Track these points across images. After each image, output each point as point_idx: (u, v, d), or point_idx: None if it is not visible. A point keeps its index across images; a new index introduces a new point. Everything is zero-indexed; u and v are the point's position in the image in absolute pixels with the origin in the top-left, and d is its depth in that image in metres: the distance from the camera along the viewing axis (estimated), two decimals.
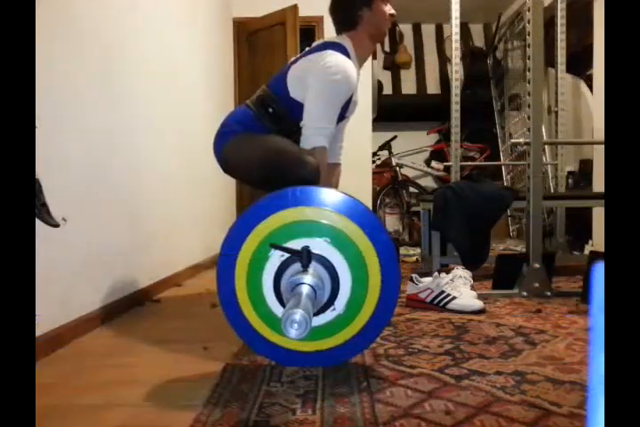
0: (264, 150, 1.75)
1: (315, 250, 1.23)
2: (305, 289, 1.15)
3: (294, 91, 1.76)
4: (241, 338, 1.32)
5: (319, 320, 1.26)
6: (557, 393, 1.14)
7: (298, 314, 1.03)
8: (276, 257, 1.25)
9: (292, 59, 1.90)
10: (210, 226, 3.54)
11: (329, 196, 1.26)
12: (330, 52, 1.73)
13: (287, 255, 1.23)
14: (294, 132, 1.77)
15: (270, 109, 1.78)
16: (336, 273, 1.25)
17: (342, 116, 1.80)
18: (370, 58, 4.45)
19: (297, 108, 1.74)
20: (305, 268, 1.20)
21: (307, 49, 1.85)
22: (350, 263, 1.25)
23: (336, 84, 1.68)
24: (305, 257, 1.21)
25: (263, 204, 1.26)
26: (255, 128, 1.81)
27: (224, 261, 1.27)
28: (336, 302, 1.26)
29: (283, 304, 1.25)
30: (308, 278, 1.18)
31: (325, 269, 1.24)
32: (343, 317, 1.26)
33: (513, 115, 5.04)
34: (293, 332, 1.04)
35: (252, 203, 1.29)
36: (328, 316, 1.27)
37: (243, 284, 1.26)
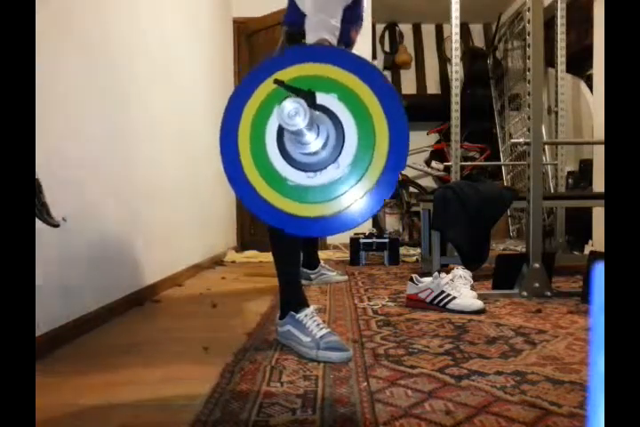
0: None
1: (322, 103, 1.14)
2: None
3: (303, 4, 1.64)
4: (237, 193, 1.19)
5: (322, 178, 1.14)
6: (557, 393, 1.14)
7: (288, 101, 0.99)
8: (280, 112, 1.13)
9: None
10: (210, 226, 3.55)
11: (339, 53, 1.20)
12: None
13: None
14: None
15: (303, 41, 1.67)
16: (342, 128, 1.15)
17: (352, 17, 1.66)
18: (370, 58, 4.47)
19: None
20: (312, 108, 1.11)
21: None
22: (358, 122, 1.15)
23: None
24: (310, 98, 1.11)
25: (273, 61, 1.20)
26: None
27: (230, 113, 1.18)
28: (340, 159, 1.14)
29: (286, 159, 1.16)
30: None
31: (331, 122, 1.14)
32: (346, 178, 1.15)
33: (513, 115, 5.04)
34: (297, 120, 1.00)
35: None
36: (331, 174, 1.15)
37: (246, 140, 1.17)
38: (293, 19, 1.69)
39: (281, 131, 1.15)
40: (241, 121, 1.18)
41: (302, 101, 1.02)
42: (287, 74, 1.16)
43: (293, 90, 1.13)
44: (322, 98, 1.14)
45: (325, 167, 1.14)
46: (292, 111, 1.02)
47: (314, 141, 1.10)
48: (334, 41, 1.53)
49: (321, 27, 1.53)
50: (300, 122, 1.02)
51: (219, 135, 1.18)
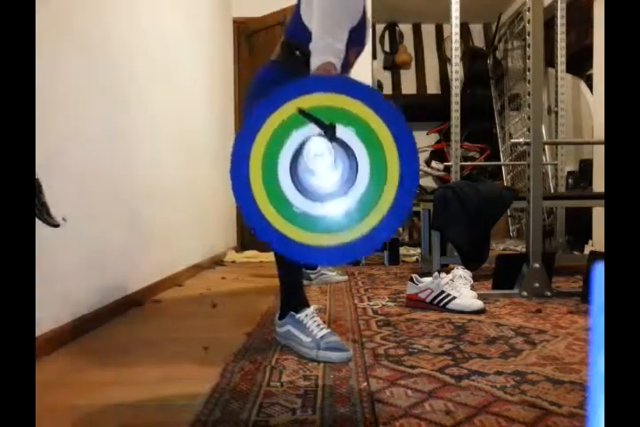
0: None
1: (340, 136, 1.15)
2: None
3: (310, 22, 1.65)
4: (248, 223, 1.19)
5: (329, 210, 1.16)
6: (557, 393, 1.14)
7: (315, 141, 1.01)
8: (298, 137, 1.16)
9: None
10: (210, 226, 3.55)
11: (359, 87, 1.19)
12: None
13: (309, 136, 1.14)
14: None
15: (297, 52, 1.70)
16: (356, 162, 1.15)
17: (356, 40, 1.69)
18: (370, 57, 4.46)
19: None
20: (331, 142, 1.12)
21: None
22: (372, 158, 1.16)
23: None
24: (330, 132, 1.12)
25: (293, 86, 1.19)
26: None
27: (243, 137, 1.18)
28: (350, 193, 1.16)
29: (297, 187, 1.16)
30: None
31: (347, 156, 1.15)
32: (354, 212, 1.16)
33: (513, 115, 5.04)
34: (321, 164, 1.02)
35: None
36: (339, 206, 1.17)
37: (258, 166, 1.17)
38: (295, 32, 1.72)
39: (295, 158, 1.16)
40: (253, 146, 1.18)
41: (328, 143, 1.04)
42: (303, 103, 1.16)
43: (316, 121, 1.14)
44: (340, 131, 1.15)
45: (335, 199, 1.15)
46: (317, 152, 1.03)
47: (329, 176, 1.11)
48: (339, 65, 1.55)
49: (328, 50, 1.55)
50: (324, 163, 1.03)
51: (230, 159, 1.17)
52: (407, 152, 1.17)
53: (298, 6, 1.73)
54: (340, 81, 1.21)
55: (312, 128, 1.14)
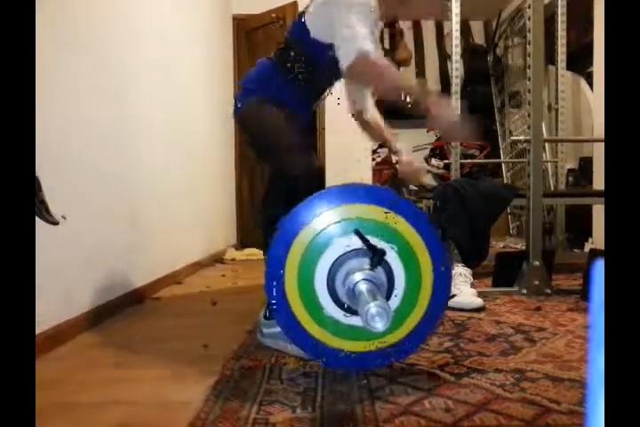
0: (265, 137, 1.69)
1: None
2: (368, 286, 1.12)
3: (315, 29, 1.64)
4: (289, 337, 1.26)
5: (356, 320, 1.20)
6: (557, 391, 1.14)
7: (374, 307, 1.04)
8: (339, 247, 1.19)
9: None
10: (210, 224, 3.54)
11: (408, 208, 1.22)
12: None
13: (352, 248, 1.18)
14: (316, 79, 1.72)
15: (292, 53, 1.69)
16: (393, 284, 1.21)
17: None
18: None
19: (319, 50, 1.63)
20: (373, 268, 1.16)
21: None
22: (408, 277, 1.21)
23: (361, 4, 1.54)
24: (377, 259, 1.16)
25: (341, 190, 1.21)
26: (274, 85, 1.72)
27: (280, 240, 1.20)
28: None
29: (333, 299, 1.21)
30: (373, 277, 1.15)
31: (386, 276, 1.20)
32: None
33: (513, 112, 5.03)
34: (378, 325, 1.04)
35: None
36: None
37: (294, 271, 1.20)
38: (301, 37, 1.70)
39: (332, 270, 1.20)
40: (289, 256, 1.20)
41: (389, 307, 1.07)
42: (346, 212, 1.19)
43: (368, 245, 1.17)
44: (381, 246, 1.19)
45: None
46: (376, 317, 1.05)
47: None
48: (376, 51, 1.50)
49: (358, 40, 1.46)
50: (381, 326, 1.06)
51: (265, 268, 1.21)
52: (443, 276, 1.23)
53: (305, 9, 1.73)
54: (385, 195, 1.23)
55: (355, 240, 1.18)
